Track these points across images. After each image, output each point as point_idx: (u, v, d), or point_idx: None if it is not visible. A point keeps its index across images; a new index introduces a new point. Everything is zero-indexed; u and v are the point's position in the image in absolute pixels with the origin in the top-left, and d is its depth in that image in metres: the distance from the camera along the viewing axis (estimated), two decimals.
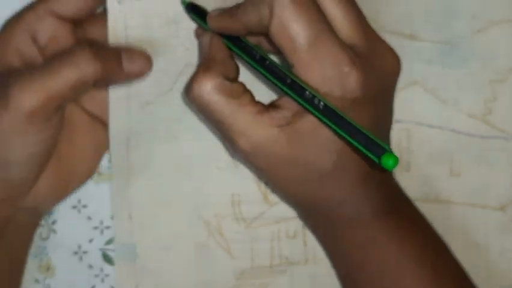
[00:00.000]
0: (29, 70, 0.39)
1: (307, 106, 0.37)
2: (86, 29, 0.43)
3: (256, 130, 0.38)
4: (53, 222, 0.47)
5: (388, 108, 0.41)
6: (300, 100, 0.37)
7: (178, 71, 0.44)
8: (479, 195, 0.47)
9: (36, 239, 0.46)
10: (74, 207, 0.47)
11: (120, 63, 0.40)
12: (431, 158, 0.47)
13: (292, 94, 0.37)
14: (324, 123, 0.36)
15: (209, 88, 0.37)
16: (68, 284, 0.47)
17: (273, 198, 0.46)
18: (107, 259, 0.47)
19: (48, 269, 0.47)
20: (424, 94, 0.46)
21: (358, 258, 0.41)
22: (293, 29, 0.36)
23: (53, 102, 0.38)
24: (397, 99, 0.42)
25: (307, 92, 0.36)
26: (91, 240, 0.47)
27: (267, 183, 0.44)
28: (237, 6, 0.39)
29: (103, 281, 0.47)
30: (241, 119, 0.38)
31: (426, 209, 0.45)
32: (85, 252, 0.47)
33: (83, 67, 0.38)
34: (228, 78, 0.38)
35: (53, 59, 0.39)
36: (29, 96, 0.37)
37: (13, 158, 0.39)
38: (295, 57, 0.37)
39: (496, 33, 0.46)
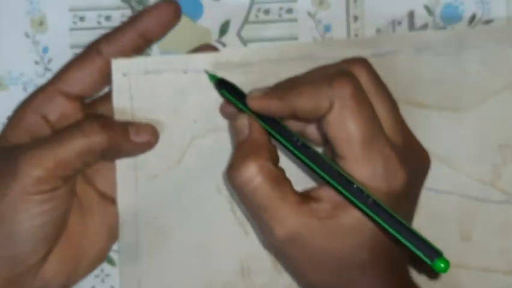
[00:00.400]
0: (37, 141, 0.40)
1: (354, 200, 0.37)
2: (95, 107, 0.44)
3: (297, 220, 0.38)
4: None
5: (416, 204, 0.43)
6: (346, 193, 0.38)
7: (185, 144, 0.44)
8: (490, 260, 0.47)
9: None
10: None
11: (127, 135, 0.41)
12: (440, 223, 0.47)
13: (339, 187, 0.38)
14: (374, 220, 0.37)
15: (258, 174, 0.38)
16: None
17: None
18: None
19: None
20: (433, 160, 0.45)
21: None
22: (352, 124, 0.38)
23: (60, 170, 0.39)
24: None
25: (355, 186, 0.37)
26: None
27: (294, 275, 0.44)
28: (287, 90, 0.39)
29: (103, 281, 0.48)
30: (283, 207, 0.38)
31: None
32: None
33: (89, 135, 0.39)
34: (273, 163, 0.39)
35: (61, 130, 0.40)
36: (37, 163, 0.39)
37: (19, 230, 0.39)
38: (348, 151, 0.38)
39: (504, 99, 0.46)
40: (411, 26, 0.47)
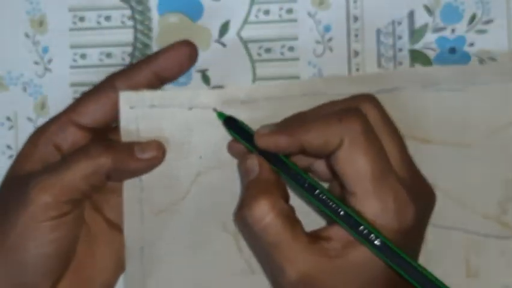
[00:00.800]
0: (45, 167, 0.41)
1: (363, 240, 0.38)
2: (105, 136, 0.44)
3: (308, 259, 0.38)
4: None
5: (423, 239, 0.42)
6: (354, 233, 0.38)
7: (190, 179, 0.44)
8: None
9: None
10: None
11: (132, 153, 0.41)
12: (446, 260, 0.46)
13: (347, 228, 0.38)
14: (383, 259, 0.38)
15: (270, 211, 0.38)
16: None
17: None
18: None
19: None
20: (439, 195, 0.44)
21: None
22: (362, 160, 0.38)
23: (67, 194, 0.39)
24: None
25: (361, 227, 0.38)
26: None
27: None
28: (296, 126, 0.39)
29: None
30: (294, 246, 0.38)
31: None
32: None
33: (94, 157, 0.40)
34: (284, 201, 0.39)
35: (68, 155, 0.41)
36: (44, 189, 0.39)
37: (28, 259, 0.40)
38: (359, 187, 0.38)
39: (510, 134, 0.46)
40: (411, 26, 0.47)
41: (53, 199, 0.39)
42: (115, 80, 0.43)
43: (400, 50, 0.47)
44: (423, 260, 0.43)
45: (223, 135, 0.44)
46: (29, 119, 0.47)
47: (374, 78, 0.45)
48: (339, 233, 0.38)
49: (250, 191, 0.39)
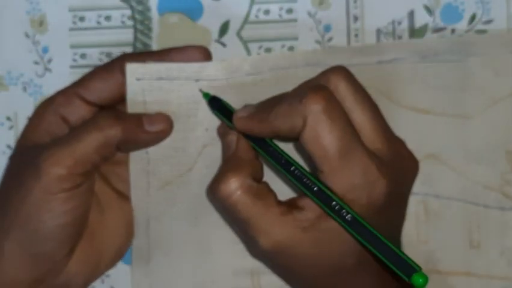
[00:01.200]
0: (55, 140, 0.41)
1: (334, 216, 0.38)
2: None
3: (280, 230, 0.38)
4: None
5: (404, 209, 0.43)
6: (326, 209, 0.38)
7: (197, 151, 0.44)
8: (500, 267, 0.47)
9: None
10: None
11: (141, 125, 0.42)
12: (449, 231, 0.47)
13: (319, 202, 0.38)
14: (353, 235, 0.38)
15: (237, 189, 0.39)
16: None
17: None
18: None
19: None
20: (441, 167, 0.45)
21: None
22: (326, 139, 0.38)
23: (79, 166, 0.40)
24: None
25: (334, 203, 0.38)
26: None
27: (284, 281, 0.44)
28: (267, 111, 0.40)
29: (103, 281, 0.48)
30: (265, 219, 0.39)
31: (446, 281, 0.45)
32: None
33: (105, 129, 0.40)
34: (254, 179, 0.40)
35: (77, 127, 0.41)
36: (57, 162, 0.39)
37: (44, 230, 0.40)
38: (326, 165, 0.38)
39: (510, 105, 0.46)
40: (411, 26, 0.47)
41: (66, 171, 0.39)
42: (124, 61, 0.43)
43: None
44: (426, 230, 0.43)
45: None
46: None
47: (375, 49, 0.45)
48: (312, 203, 0.39)
49: (223, 167, 0.41)
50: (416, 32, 0.47)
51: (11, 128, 0.47)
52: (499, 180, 0.46)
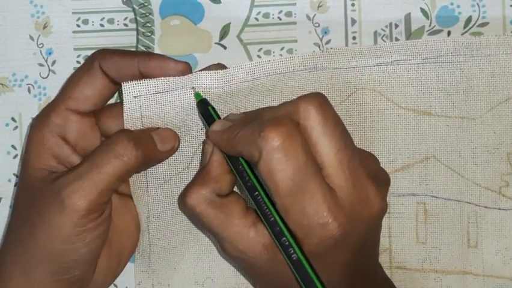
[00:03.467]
0: (74, 170, 0.40)
1: (282, 251, 0.38)
2: (104, 120, 0.44)
3: (242, 241, 0.40)
4: None
5: (369, 251, 0.42)
6: (276, 242, 0.38)
7: (193, 149, 0.45)
8: (497, 267, 0.47)
9: None
10: None
11: (155, 145, 0.42)
12: (448, 230, 0.47)
13: (272, 234, 0.39)
14: (294, 274, 0.38)
15: (201, 202, 0.40)
16: None
17: None
18: None
19: None
20: (440, 167, 0.46)
21: None
22: (278, 176, 0.37)
23: (104, 196, 0.40)
24: (413, 172, 0.43)
25: (284, 239, 0.38)
26: None
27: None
28: (235, 132, 0.40)
29: None
30: (228, 229, 0.40)
31: (443, 279, 0.46)
32: None
33: (125, 157, 0.40)
34: (220, 193, 0.41)
35: (94, 155, 0.41)
36: (82, 196, 0.39)
37: (78, 258, 0.40)
38: (278, 200, 0.38)
39: (511, 106, 0.46)
40: (408, 29, 0.48)
41: (92, 204, 0.39)
42: (101, 63, 0.42)
43: None
44: (425, 230, 0.43)
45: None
46: None
47: (375, 51, 0.45)
48: None
49: (194, 179, 0.42)
50: (412, 35, 0.48)
51: (15, 128, 0.48)
52: (498, 181, 0.47)
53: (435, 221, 0.47)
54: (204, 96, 0.43)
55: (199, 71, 0.43)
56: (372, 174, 0.40)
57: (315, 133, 0.38)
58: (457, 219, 0.47)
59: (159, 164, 0.44)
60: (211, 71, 0.43)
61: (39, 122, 0.43)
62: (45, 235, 0.40)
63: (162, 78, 0.42)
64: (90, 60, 0.43)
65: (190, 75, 0.43)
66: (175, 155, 0.44)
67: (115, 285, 0.48)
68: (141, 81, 0.42)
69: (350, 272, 0.40)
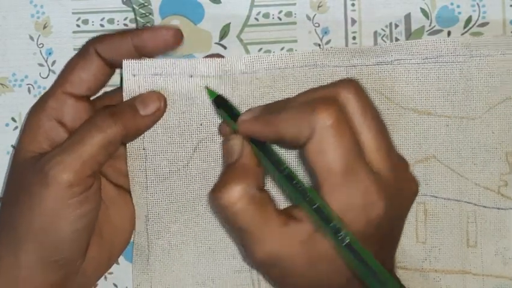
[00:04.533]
0: (58, 147, 0.41)
1: (333, 237, 0.38)
2: (102, 102, 0.45)
3: (277, 242, 0.38)
4: None
5: (400, 231, 0.42)
6: (325, 228, 0.38)
7: (192, 146, 0.45)
8: (496, 266, 0.47)
9: None
10: None
11: (136, 113, 0.42)
12: (447, 230, 0.47)
13: (319, 220, 0.38)
14: (347, 259, 0.38)
15: (240, 198, 0.38)
16: None
17: None
18: None
19: None
20: (440, 167, 0.46)
21: None
22: (331, 155, 0.37)
23: (87, 168, 0.40)
24: (413, 172, 0.43)
25: (333, 224, 0.37)
26: None
27: None
28: (274, 114, 0.40)
29: (106, 279, 0.48)
30: (264, 230, 0.38)
31: (443, 279, 0.46)
32: None
33: (105, 130, 0.40)
34: (257, 188, 0.39)
35: (77, 130, 0.41)
36: (64, 168, 0.39)
37: (60, 237, 0.40)
38: (327, 181, 0.38)
39: (509, 106, 0.47)
40: (408, 29, 0.48)
41: (75, 176, 0.39)
42: (96, 47, 0.42)
43: None
44: (425, 231, 0.43)
45: None
46: None
47: (375, 50, 0.45)
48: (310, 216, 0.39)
49: (226, 174, 0.40)
50: (412, 35, 0.48)
51: (15, 128, 0.48)
52: (497, 180, 0.47)
53: (435, 220, 0.47)
54: (217, 93, 0.43)
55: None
56: (402, 158, 0.41)
57: (356, 118, 0.39)
58: (456, 219, 0.47)
59: (158, 161, 0.45)
60: (209, 59, 0.43)
61: (37, 107, 0.43)
62: (30, 211, 0.40)
63: (160, 58, 0.43)
64: (85, 46, 0.43)
65: (187, 61, 0.43)
66: (174, 151, 0.44)
67: (115, 285, 0.48)
68: (140, 61, 0.43)
69: (389, 251, 0.41)
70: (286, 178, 0.39)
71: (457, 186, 0.47)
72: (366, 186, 0.38)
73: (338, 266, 0.38)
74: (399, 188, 0.40)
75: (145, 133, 0.44)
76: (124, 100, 0.43)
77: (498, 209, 0.47)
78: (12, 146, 0.48)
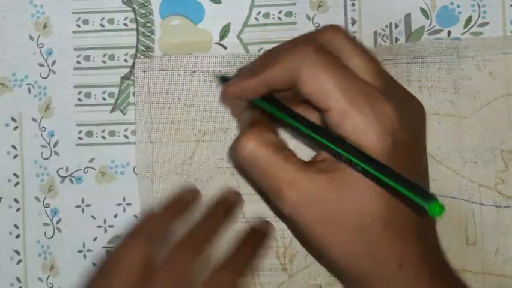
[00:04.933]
0: None
1: (353, 158, 0.37)
2: None
3: (304, 179, 0.37)
4: (58, 221, 0.48)
5: (424, 151, 0.41)
6: (345, 154, 0.37)
7: (196, 139, 0.47)
8: (495, 264, 0.47)
9: (40, 238, 0.48)
10: (78, 206, 0.48)
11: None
12: (445, 228, 0.47)
13: (339, 150, 0.37)
14: (370, 175, 0.37)
15: (258, 141, 0.38)
16: (72, 281, 0.48)
17: (292, 268, 0.47)
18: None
19: (52, 267, 0.48)
20: (437, 165, 0.46)
21: None
22: (323, 77, 0.37)
23: None
24: None
25: (348, 145, 0.37)
26: (95, 239, 0.48)
27: (311, 243, 0.40)
28: (257, 67, 0.40)
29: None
30: (288, 169, 0.38)
31: None
32: (89, 250, 0.48)
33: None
34: (272, 134, 0.39)
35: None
36: None
37: None
38: (332, 101, 0.37)
39: (501, 105, 0.47)
40: (408, 29, 0.48)
41: None
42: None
43: None
44: None
45: None
46: (34, 120, 0.48)
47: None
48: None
49: (241, 133, 0.39)
50: (412, 35, 0.48)
51: (15, 128, 0.48)
52: (493, 178, 0.47)
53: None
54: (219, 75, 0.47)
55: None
56: (395, 81, 0.41)
57: (345, 49, 0.39)
58: (455, 217, 0.47)
59: (163, 153, 0.47)
60: (210, 55, 0.46)
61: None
62: None
63: (166, 56, 0.47)
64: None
65: (191, 57, 0.47)
66: (179, 144, 0.47)
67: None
68: (150, 57, 0.47)
69: (416, 171, 0.40)
70: (301, 121, 0.39)
71: (454, 184, 0.47)
72: (367, 91, 0.37)
73: (372, 190, 0.37)
74: (402, 101, 0.39)
75: (152, 127, 0.46)
76: (136, 94, 0.47)
77: (497, 206, 0.47)
78: (12, 146, 0.48)
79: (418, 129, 0.41)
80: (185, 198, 0.43)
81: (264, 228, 0.43)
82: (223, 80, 0.45)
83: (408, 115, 0.39)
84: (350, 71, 0.38)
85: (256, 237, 0.42)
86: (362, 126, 0.37)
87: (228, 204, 0.43)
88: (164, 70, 0.46)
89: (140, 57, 0.47)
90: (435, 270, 0.39)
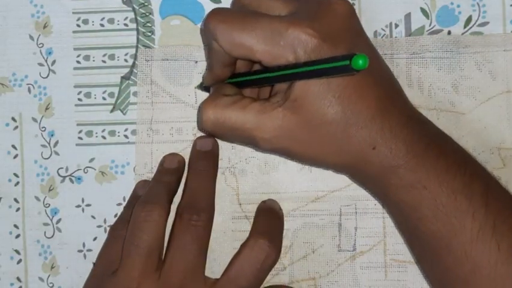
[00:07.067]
0: None
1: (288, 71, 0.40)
2: None
3: (265, 118, 0.41)
4: (58, 221, 0.48)
5: (358, 34, 0.42)
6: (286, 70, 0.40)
7: (191, 133, 0.48)
8: None
9: (40, 238, 0.48)
10: (78, 206, 0.48)
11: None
12: None
13: (280, 72, 0.40)
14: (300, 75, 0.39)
15: (214, 106, 0.42)
16: (72, 281, 0.48)
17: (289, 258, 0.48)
18: None
19: (52, 267, 0.48)
20: None
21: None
22: (237, 39, 0.40)
23: None
24: None
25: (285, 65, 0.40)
26: (95, 239, 0.48)
27: (299, 160, 0.45)
28: (208, 64, 0.44)
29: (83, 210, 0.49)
30: (249, 117, 0.41)
31: None
32: (89, 250, 0.48)
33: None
34: (225, 93, 0.43)
35: None
36: None
37: None
38: (255, 57, 0.40)
39: (500, 102, 0.47)
40: (408, 28, 0.48)
41: None
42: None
43: None
44: None
45: None
46: (34, 120, 0.48)
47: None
48: (278, 86, 0.42)
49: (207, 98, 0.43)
50: (412, 35, 0.48)
51: (15, 128, 0.48)
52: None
53: None
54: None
55: None
56: None
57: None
58: None
59: (161, 146, 0.47)
60: None
61: None
62: None
63: (170, 47, 0.48)
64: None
65: (193, 48, 0.48)
66: (176, 135, 0.48)
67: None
68: (152, 48, 0.47)
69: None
70: (256, 72, 0.42)
71: None
72: (268, 24, 0.40)
73: (324, 103, 0.40)
74: (322, 9, 0.41)
75: (153, 115, 0.47)
76: (138, 83, 0.48)
77: None
78: (12, 145, 0.48)
79: (338, 23, 0.41)
80: (172, 164, 0.47)
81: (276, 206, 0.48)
82: (201, 86, 0.48)
83: (330, 19, 0.40)
84: (250, 12, 0.41)
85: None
86: (290, 55, 0.39)
87: (208, 156, 0.46)
88: (167, 60, 0.47)
89: (143, 48, 0.47)
90: (408, 117, 0.41)
